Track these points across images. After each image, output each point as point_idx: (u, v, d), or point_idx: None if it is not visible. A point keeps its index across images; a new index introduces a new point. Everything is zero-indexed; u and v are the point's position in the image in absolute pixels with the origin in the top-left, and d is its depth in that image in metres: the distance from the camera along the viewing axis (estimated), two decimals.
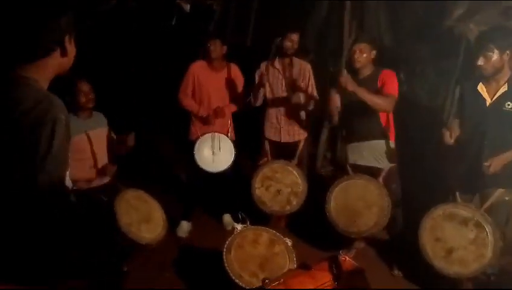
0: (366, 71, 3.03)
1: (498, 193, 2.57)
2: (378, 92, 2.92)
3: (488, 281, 2.69)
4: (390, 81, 2.98)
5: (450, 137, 2.62)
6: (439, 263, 2.57)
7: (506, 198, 2.58)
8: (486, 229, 2.50)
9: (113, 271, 2.57)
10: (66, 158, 1.25)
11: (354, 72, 3.01)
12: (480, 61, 2.46)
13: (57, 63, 1.32)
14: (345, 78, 2.82)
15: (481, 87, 2.57)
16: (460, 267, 2.53)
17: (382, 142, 3.07)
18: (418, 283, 2.88)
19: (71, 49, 1.35)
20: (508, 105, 2.48)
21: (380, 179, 3.03)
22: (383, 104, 2.91)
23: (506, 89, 2.49)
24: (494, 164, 2.45)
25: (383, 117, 3.05)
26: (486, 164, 2.45)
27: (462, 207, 2.61)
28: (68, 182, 1.25)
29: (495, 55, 2.43)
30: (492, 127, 2.53)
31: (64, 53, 1.32)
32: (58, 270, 1.27)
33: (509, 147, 2.48)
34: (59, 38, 1.30)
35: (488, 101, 2.55)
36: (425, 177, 3.21)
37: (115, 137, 2.95)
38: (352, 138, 3.18)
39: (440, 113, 3.35)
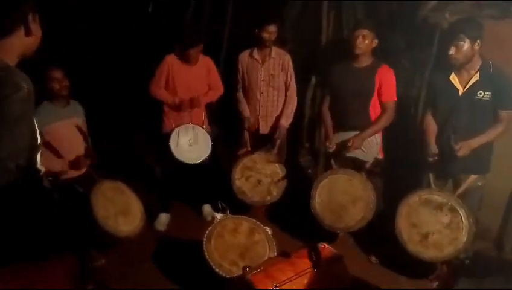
0: (365, 61, 3.02)
1: (471, 179, 2.65)
2: (379, 90, 3.00)
3: (462, 266, 2.78)
4: (389, 86, 2.99)
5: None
6: (415, 247, 2.63)
7: (479, 183, 2.66)
8: (461, 213, 2.58)
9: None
10: (34, 133, 1.23)
11: (352, 58, 3.01)
12: (452, 51, 2.51)
13: (21, 42, 1.31)
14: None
15: (453, 77, 2.63)
16: (436, 251, 2.59)
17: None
18: (395, 269, 2.94)
19: (36, 28, 1.34)
20: (480, 94, 2.54)
21: (364, 172, 3.04)
22: (387, 121, 3.04)
23: (477, 78, 2.55)
24: (463, 147, 2.52)
25: (372, 110, 3.07)
26: (456, 147, 2.51)
27: (437, 193, 2.68)
28: (40, 167, 1.22)
29: (466, 45, 2.48)
30: (465, 115, 2.60)
31: (28, 32, 1.31)
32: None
33: (480, 133, 2.56)
34: (22, 17, 1.28)
35: (461, 91, 2.61)
36: (402, 165, 3.26)
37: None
38: (340, 128, 3.19)
39: (415, 104, 3.41)
